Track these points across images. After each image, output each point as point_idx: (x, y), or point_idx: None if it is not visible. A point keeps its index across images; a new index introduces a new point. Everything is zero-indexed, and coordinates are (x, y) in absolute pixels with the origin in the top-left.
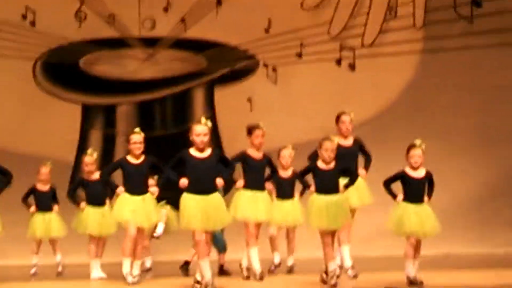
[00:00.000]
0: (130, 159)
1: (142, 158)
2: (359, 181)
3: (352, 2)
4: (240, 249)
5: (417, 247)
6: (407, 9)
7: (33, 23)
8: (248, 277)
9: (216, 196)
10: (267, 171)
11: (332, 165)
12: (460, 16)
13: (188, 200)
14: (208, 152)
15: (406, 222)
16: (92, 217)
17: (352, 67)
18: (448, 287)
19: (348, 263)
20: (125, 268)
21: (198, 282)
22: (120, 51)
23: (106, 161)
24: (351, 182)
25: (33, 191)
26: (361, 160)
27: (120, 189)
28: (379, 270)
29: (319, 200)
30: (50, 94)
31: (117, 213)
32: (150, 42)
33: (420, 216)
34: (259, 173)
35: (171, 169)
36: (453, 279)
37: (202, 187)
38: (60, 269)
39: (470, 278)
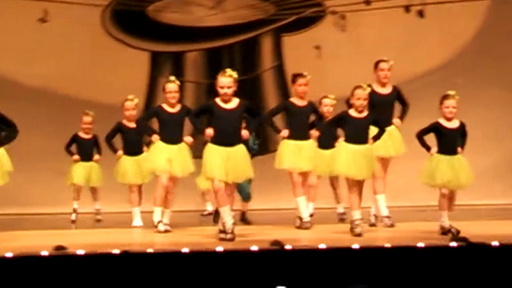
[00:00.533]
0: (166, 107)
1: (178, 107)
2: (394, 130)
3: None
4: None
5: (451, 198)
6: None
7: None
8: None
9: (240, 148)
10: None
11: (364, 114)
12: None
13: (211, 150)
14: (235, 102)
15: (438, 174)
16: (129, 167)
17: (421, 14)
18: None
19: (384, 212)
20: (156, 217)
21: (222, 231)
22: None
23: None
24: (378, 136)
25: (75, 139)
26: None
27: (155, 137)
28: (416, 220)
29: (347, 149)
30: (118, 42)
31: (151, 161)
32: None
33: (453, 168)
34: (302, 120)
35: (196, 117)
36: None
37: (227, 138)
38: (99, 217)
39: None
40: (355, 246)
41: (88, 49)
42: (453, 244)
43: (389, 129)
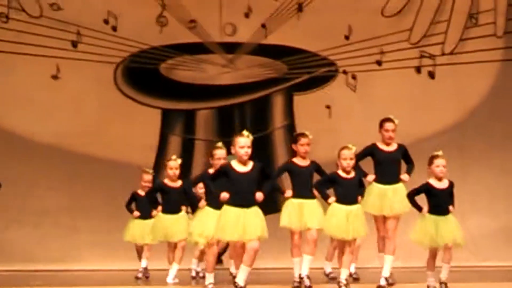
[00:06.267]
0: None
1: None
2: (400, 188)
3: (433, 9)
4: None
5: (448, 254)
6: (488, 17)
7: (114, 28)
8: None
9: (255, 209)
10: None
11: (352, 174)
12: None
13: (227, 212)
14: (250, 165)
15: (428, 233)
16: (168, 224)
17: (431, 75)
18: None
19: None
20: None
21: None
22: (200, 57)
23: (185, 166)
24: (360, 192)
25: (134, 197)
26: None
27: (203, 203)
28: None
29: (339, 210)
30: (130, 99)
31: (202, 228)
32: (231, 48)
33: (443, 227)
34: (306, 180)
35: (211, 180)
36: None
37: (242, 200)
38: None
39: None
40: None
41: (101, 106)
42: None
43: (395, 186)
